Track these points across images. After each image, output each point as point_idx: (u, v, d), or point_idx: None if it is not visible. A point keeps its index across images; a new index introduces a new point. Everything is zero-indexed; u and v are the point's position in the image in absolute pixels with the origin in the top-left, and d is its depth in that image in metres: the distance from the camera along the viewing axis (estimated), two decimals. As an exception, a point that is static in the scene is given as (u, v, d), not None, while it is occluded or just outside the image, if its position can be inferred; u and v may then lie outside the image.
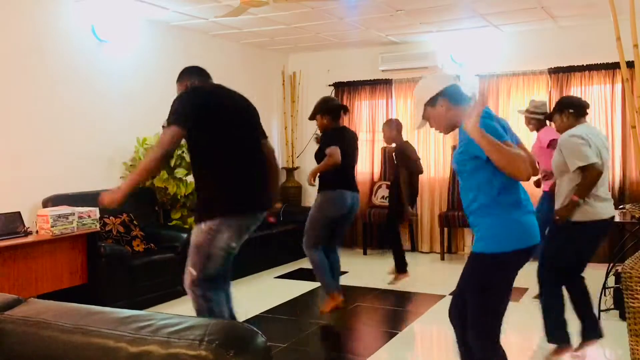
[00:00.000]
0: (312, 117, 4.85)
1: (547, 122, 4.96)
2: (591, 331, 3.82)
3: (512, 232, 2.51)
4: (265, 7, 4.90)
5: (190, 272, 3.27)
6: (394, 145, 5.98)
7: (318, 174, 4.66)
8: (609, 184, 4.02)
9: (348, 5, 5.89)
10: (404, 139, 6.08)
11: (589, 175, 3.55)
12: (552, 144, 4.87)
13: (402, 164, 5.80)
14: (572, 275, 3.85)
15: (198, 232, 3.25)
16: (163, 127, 3.45)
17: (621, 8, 3.21)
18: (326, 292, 4.84)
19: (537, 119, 5.32)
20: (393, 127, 5.91)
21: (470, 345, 2.68)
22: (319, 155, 4.71)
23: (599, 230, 3.75)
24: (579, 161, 3.54)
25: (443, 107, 2.62)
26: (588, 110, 3.85)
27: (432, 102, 2.63)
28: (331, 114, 4.71)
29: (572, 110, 3.75)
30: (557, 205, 3.72)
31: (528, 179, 2.39)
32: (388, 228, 6.24)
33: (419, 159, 6.09)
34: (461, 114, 2.54)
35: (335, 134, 4.69)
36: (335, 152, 4.49)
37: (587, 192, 3.58)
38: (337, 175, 4.67)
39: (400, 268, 5.97)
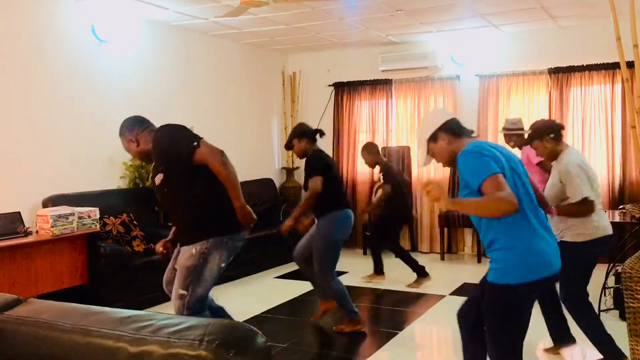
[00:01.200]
0: (288, 145, 4.68)
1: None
2: (565, 336, 3.93)
3: (527, 264, 2.49)
4: (265, 7, 4.90)
5: (180, 294, 3.28)
6: (377, 168, 6.23)
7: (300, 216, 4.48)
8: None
9: (348, 5, 5.89)
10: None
11: (583, 209, 3.58)
12: (540, 164, 4.95)
13: (388, 181, 6.05)
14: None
15: (189, 254, 3.29)
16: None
17: (621, 8, 3.21)
18: (350, 316, 4.61)
19: (517, 135, 5.29)
20: (372, 151, 6.08)
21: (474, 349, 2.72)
22: (305, 185, 4.56)
23: (607, 245, 3.77)
24: (582, 192, 3.56)
25: (445, 141, 2.68)
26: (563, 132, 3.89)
27: (433, 137, 2.70)
28: (308, 137, 4.59)
29: (552, 135, 3.75)
30: (556, 231, 3.57)
31: (516, 211, 2.35)
32: (378, 234, 6.32)
33: (402, 172, 6.47)
34: (463, 145, 2.60)
35: (317, 159, 4.52)
36: (316, 183, 4.35)
37: (571, 215, 3.61)
38: (338, 194, 4.54)
39: (420, 273, 6.03)
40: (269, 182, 7.98)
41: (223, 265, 3.36)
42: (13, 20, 5.02)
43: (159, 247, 3.58)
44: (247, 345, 1.39)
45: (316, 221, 4.54)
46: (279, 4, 5.14)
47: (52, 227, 4.49)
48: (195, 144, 3.23)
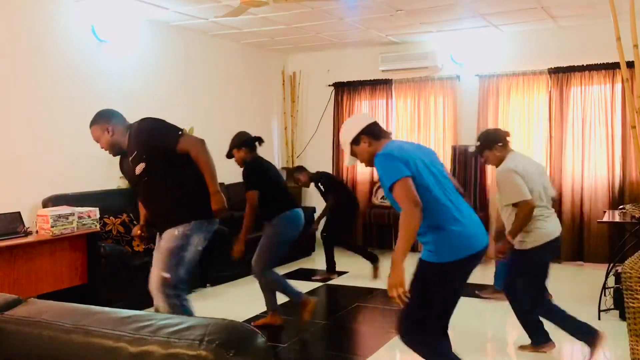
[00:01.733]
0: (228, 155, 4.69)
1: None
2: (542, 337, 3.98)
3: (451, 245, 2.82)
4: (265, 7, 4.90)
5: (162, 276, 3.42)
6: (320, 181, 6.55)
7: (246, 232, 4.56)
8: (555, 192, 4.18)
9: (348, 5, 5.89)
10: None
11: (521, 211, 3.67)
12: None
13: (332, 192, 6.47)
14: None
15: (170, 237, 3.44)
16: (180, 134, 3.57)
17: (621, 8, 3.21)
18: (296, 301, 4.67)
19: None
20: (304, 173, 6.61)
21: None
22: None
23: (553, 250, 3.92)
24: (511, 198, 3.70)
25: (366, 144, 2.96)
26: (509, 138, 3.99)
27: (356, 140, 2.96)
28: (247, 145, 4.64)
29: (500, 143, 3.89)
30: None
31: (420, 210, 2.67)
32: (330, 233, 6.55)
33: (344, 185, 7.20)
34: (381, 147, 2.90)
35: (250, 171, 4.60)
36: (252, 197, 4.47)
37: (520, 230, 3.70)
38: (280, 197, 4.64)
39: (374, 260, 6.41)
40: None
41: (200, 248, 3.53)
42: (13, 20, 5.02)
43: (136, 231, 3.77)
44: (247, 345, 1.39)
45: (265, 225, 4.61)
46: (279, 4, 5.15)
47: (52, 227, 4.49)
48: (180, 132, 3.46)
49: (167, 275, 3.42)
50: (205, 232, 3.54)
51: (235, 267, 6.02)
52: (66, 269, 4.67)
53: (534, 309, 3.88)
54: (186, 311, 3.46)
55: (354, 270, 6.66)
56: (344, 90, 8.25)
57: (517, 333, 4.53)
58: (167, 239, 3.46)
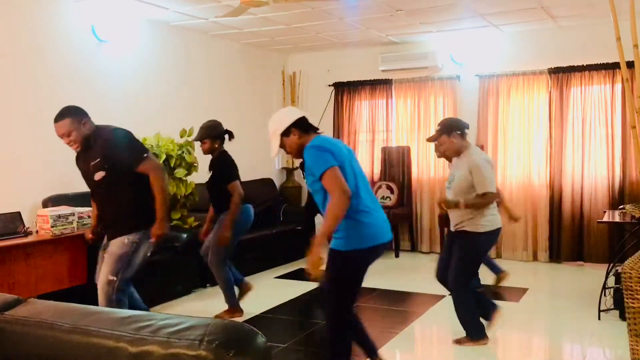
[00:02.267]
0: (202, 139, 4.81)
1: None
2: (491, 311, 4.25)
3: (361, 235, 3.10)
4: (265, 7, 4.90)
5: (110, 280, 3.68)
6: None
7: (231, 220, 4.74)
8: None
9: (348, 5, 5.89)
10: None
11: (486, 201, 3.94)
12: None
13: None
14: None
15: (120, 244, 3.69)
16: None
17: (621, 8, 3.21)
18: (232, 304, 4.91)
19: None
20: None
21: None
22: (215, 182, 4.82)
23: (496, 239, 4.19)
24: (486, 187, 3.90)
25: (296, 136, 3.15)
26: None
27: (286, 132, 3.16)
28: (222, 139, 4.87)
29: (459, 132, 4.05)
30: (457, 222, 4.05)
31: (349, 198, 2.97)
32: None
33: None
34: (310, 140, 3.12)
35: (228, 161, 4.81)
36: (237, 187, 4.73)
37: (473, 207, 3.94)
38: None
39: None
40: (269, 182, 7.99)
41: (148, 254, 3.82)
42: (13, 20, 5.02)
43: (88, 234, 4.07)
44: (247, 345, 1.39)
45: (219, 218, 4.83)
46: (279, 4, 5.15)
47: (52, 227, 4.49)
48: (145, 155, 3.69)
49: (113, 277, 3.67)
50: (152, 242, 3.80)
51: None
52: (66, 269, 4.67)
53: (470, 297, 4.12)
54: (121, 307, 3.73)
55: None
56: (344, 90, 8.25)
57: (517, 333, 4.54)
58: (118, 245, 3.69)
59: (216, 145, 4.82)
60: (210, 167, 4.91)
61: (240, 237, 4.95)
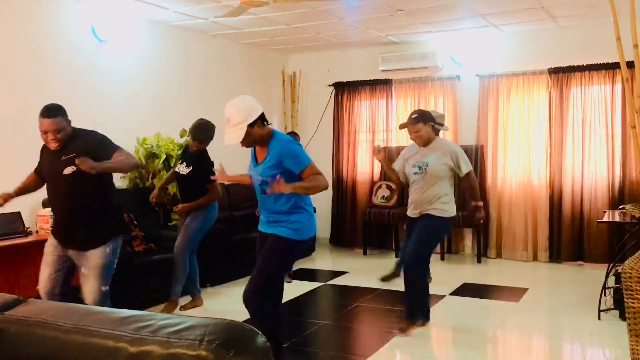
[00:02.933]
0: (201, 139, 4.96)
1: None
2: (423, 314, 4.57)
3: (311, 225, 3.49)
4: (265, 7, 4.90)
5: (104, 292, 3.69)
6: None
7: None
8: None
9: (348, 5, 5.89)
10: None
11: (473, 179, 4.47)
12: None
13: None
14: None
15: (104, 254, 3.64)
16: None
17: (621, 8, 3.21)
18: (190, 294, 5.27)
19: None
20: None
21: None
22: (195, 177, 4.96)
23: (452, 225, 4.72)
24: (470, 166, 4.41)
25: (259, 128, 3.31)
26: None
27: (253, 123, 3.28)
28: (211, 139, 5.06)
29: (433, 124, 4.40)
30: (421, 207, 4.40)
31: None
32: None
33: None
34: (269, 132, 3.37)
35: (211, 163, 5.00)
36: (218, 188, 5.06)
37: (474, 192, 4.54)
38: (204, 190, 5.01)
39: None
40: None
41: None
42: (13, 20, 5.02)
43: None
44: (247, 345, 1.39)
45: (198, 212, 5.04)
46: (279, 4, 5.15)
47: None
48: (119, 147, 3.69)
49: (106, 288, 3.70)
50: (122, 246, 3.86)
51: (236, 267, 6.03)
52: (66, 269, 4.66)
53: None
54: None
55: (354, 270, 6.66)
56: (344, 90, 8.25)
57: (517, 333, 4.53)
58: (100, 255, 3.62)
59: (203, 145, 4.99)
60: (190, 162, 5.02)
61: (202, 232, 5.12)
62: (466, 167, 4.38)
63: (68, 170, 3.48)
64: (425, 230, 4.38)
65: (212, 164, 4.98)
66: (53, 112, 3.53)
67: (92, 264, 3.63)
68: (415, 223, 4.45)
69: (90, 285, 3.65)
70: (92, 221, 3.63)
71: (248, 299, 3.46)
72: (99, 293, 3.66)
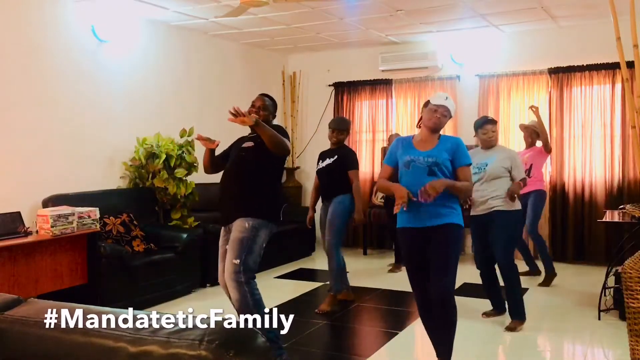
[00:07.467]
0: (342, 129, 5.21)
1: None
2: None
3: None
4: (265, 7, 4.90)
5: (233, 262, 3.61)
6: None
7: None
8: None
9: (348, 5, 5.89)
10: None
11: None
12: None
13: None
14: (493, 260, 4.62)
15: (242, 228, 3.65)
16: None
17: (621, 8, 3.21)
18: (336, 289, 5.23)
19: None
20: None
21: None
22: (339, 166, 5.14)
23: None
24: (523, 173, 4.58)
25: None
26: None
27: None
28: (349, 133, 5.46)
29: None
30: (496, 203, 4.46)
31: None
32: None
33: None
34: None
35: (354, 152, 5.37)
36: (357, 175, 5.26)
37: (518, 191, 4.59)
38: None
39: None
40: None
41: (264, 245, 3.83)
42: (13, 20, 5.01)
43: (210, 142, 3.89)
44: (247, 345, 1.39)
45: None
46: (279, 4, 5.15)
47: (52, 227, 4.49)
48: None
49: (237, 261, 3.61)
50: None
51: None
52: (66, 269, 4.67)
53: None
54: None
55: (354, 270, 6.65)
56: (344, 90, 8.25)
57: (517, 333, 4.53)
58: (238, 229, 3.63)
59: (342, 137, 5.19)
60: (332, 155, 5.15)
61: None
62: (520, 174, 4.58)
63: (247, 144, 3.80)
64: (509, 230, 4.51)
65: (354, 152, 5.27)
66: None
67: (232, 237, 3.62)
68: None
69: (227, 260, 3.61)
70: (245, 193, 3.67)
71: (445, 300, 3.48)
72: (231, 265, 3.56)
